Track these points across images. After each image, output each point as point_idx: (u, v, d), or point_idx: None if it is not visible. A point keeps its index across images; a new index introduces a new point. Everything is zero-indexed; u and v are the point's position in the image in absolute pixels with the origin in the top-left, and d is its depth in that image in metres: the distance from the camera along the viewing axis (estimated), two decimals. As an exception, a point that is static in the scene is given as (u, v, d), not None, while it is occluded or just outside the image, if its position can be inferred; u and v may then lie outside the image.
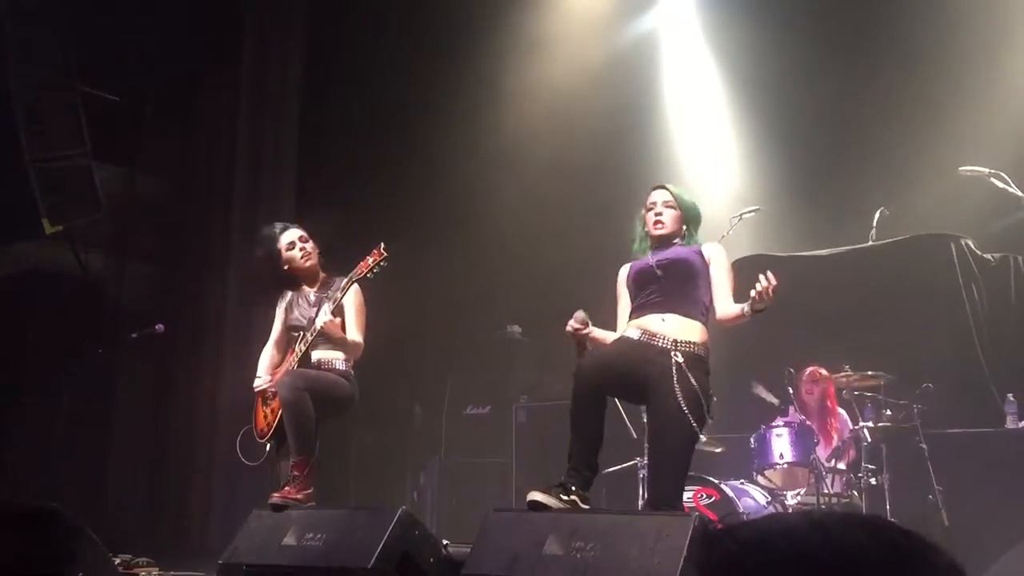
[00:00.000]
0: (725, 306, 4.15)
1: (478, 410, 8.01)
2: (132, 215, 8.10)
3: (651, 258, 4.21)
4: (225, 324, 8.18)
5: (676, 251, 4.22)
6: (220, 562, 4.34)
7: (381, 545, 3.89)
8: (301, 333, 4.79)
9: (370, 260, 4.50)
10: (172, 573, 5.42)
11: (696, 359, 4.02)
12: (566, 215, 7.96)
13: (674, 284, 4.10)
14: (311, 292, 4.91)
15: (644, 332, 4.06)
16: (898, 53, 7.21)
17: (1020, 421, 5.73)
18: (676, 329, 4.03)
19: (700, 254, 4.20)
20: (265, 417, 4.86)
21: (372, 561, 3.83)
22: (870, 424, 5.62)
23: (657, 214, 4.25)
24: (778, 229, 7.45)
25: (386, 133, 8.55)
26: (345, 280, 4.64)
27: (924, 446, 5.41)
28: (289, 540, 4.15)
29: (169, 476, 7.90)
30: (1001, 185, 5.63)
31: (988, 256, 6.25)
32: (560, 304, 8.16)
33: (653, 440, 4.16)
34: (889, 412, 5.68)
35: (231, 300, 8.24)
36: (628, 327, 4.17)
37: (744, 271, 6.99)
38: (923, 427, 5.48)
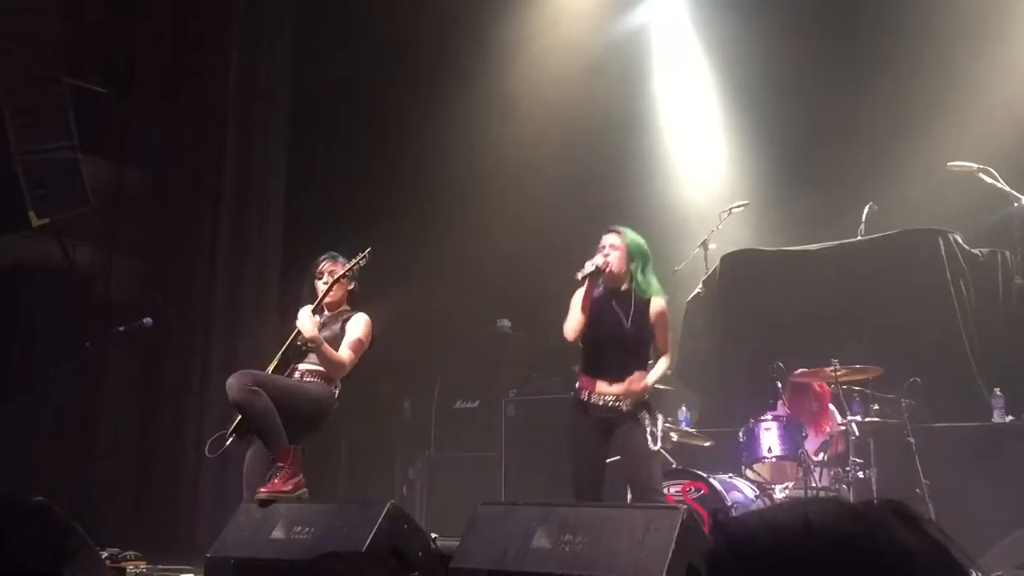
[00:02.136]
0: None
1: (468, 404, 8.01)
2: (120, 208, 8.06)
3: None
4: (214, 318, 8.16)
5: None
6: (208, 556, 4.33)
7: (370, 538, 3.89)
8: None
9: (352, 261, 4.65)
10: (160, 567, 5.41)
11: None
12: (556, 210, 7.95)
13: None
14: (326, 315, 4.95)
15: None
16: (888, 48, 7.22)
17: (1006, 415, 5.76)
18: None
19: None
20: None
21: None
22: (858, 418, 5.64)
23: (604, 255, 4.55)
24: (767, 224, 7.48)
25: (374, 128, 8.52)
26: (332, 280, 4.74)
27: (911, 440, 5.44)
28: (277, 533, 4.15)
29: (157, 470, 7.87)
30: (989, 181, 5.66)
31: (976, 251, 6.27)
32: (550, 299, 8.19)
33: None
34: (877, 406, 5.71)
35: (220, 293, 8.22)
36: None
37: (734, 266, 7.08)
38: (911, 421, 5.50)
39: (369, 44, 8.42)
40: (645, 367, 4.64)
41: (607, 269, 4.49)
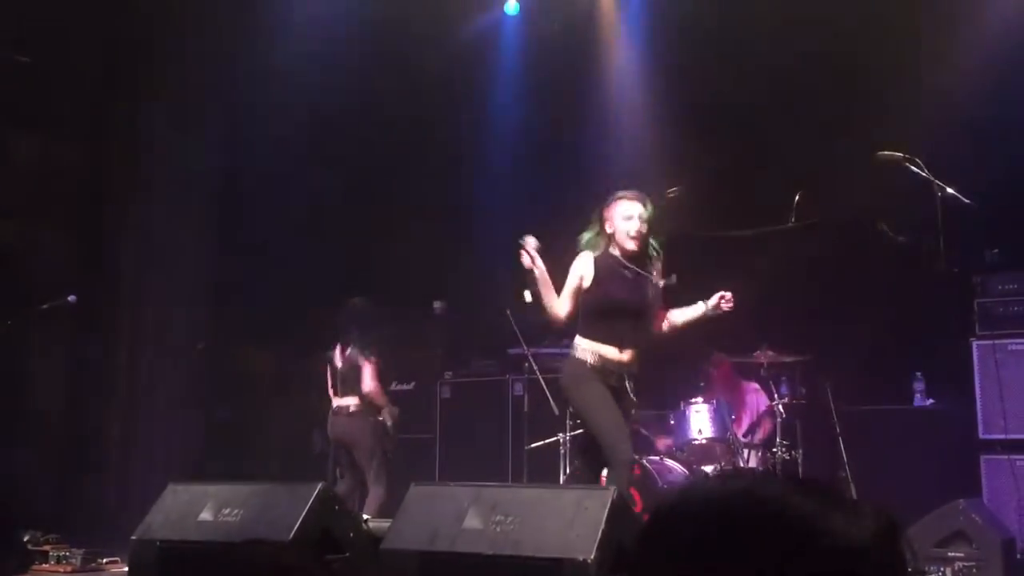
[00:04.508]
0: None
1: (403, 386, 7.98)
2: (45, 182, 7.81)
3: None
4: (143, 295, 7.98)
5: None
6: (133, 539, 4.25)
7: (300, 520, 3.86)
8: None
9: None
10: (83, 550, 5.29)
11: None
12: (489, 191, 7.96)
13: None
14: None
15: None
16: (819, 36, 7.34)
17: (927, 399, 5.95)
18: None
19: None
20: None
21: (291, 536, 3.79)
22: (785, 401, 5.77)
23: (637, 229, 4.44)
24: (700, 210, 7.55)
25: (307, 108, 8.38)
26: None
27: (836, 422, 5.58)
28: (205, 515, 4.09)
29: (83, 452, 7.69)
30: (915, 170, 5.80)
31: (901, 238, 6.44)
32: (483, 280, 8.20)
33: None
34: (804, 390, 5.85)
35: (151, 270, 8.04)
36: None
37: (668, 250, 7.15)
38: (835, 404, 5.65)
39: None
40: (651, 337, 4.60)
41: (637, 239, 4.44)
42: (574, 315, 4.50)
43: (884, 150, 5.71)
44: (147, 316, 7.95)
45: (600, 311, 4.43)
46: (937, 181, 5.38)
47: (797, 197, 6.49)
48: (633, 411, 4.71)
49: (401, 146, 8.35)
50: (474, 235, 8.31)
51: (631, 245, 4.45)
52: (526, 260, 4.39)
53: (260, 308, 7.94)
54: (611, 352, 4.42)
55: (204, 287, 8.11)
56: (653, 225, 4.51)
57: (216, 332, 8.11)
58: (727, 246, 6.95)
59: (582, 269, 4.46)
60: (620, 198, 4.52)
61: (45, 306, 6.24)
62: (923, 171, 5.48)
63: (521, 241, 4.42)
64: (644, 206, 4.49)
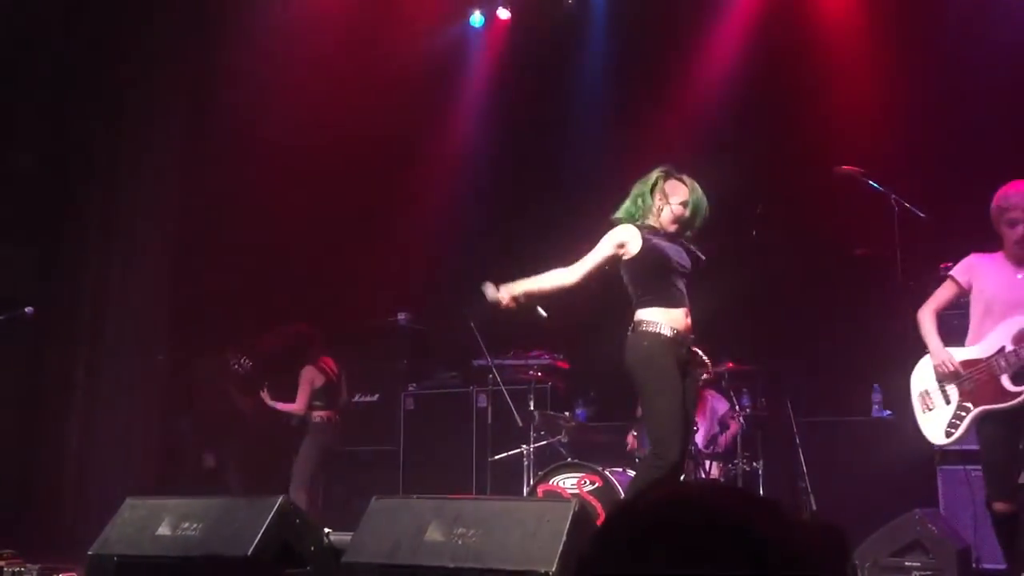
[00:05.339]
0: None
1: (367, 398, 7.95)
2: (2, 192, 7.70)
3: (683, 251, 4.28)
4: (104, 306, 7.88)
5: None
6: (90, 553, 4.19)
7: (260, 534, 3.83)
8: None
9: None
10: (39, 565, 5.19)
11: None
12: (451, 206, 7.99)
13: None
14: None
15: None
16: (777, 51, 7.46)
17: (884, 410, 6.03)
18: None
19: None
20: None
21: (250, 550, 3.76)
22: (746, 412, 5.83)
23: (681, 214, 4.25)
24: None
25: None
26: None
27: (796, 433, 5.64)
28: (164, 530, 4.04)
29: (40, 465, 7.57)
30: (872, 184, 5.90)
31: (858, 251, 6.54)
32: (447, 291, 8.19)
33: None
34: (764, 401, 5.91)
35: (112, 281, 7.94)
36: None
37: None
38: (795, 415, 5.71)
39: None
40: None
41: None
42: (583, 283, 4.22)
43: (843, 164, 5.81)
44: (106, 327, 7.85)
45: (659, 273, 4.17)
46: (894, 195, 5.47)
47: (758, 209, 6.58)
48: (703, 376, 4.42)
49: (367, 158, 8.33)
50: (439, 246, 8.32)
51: (673, 228, 4.24)
52: (503, 300, 4.16)
53: (222, 319, 7.87)
54: (679, 316, 4.15)
55: (165, 298, 8.02)
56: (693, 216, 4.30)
57: (177, 343, 8.02)
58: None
59: (624, 237, 4.18)
60: (679, 178, 4.32)
61: (2, 318, 6.14)
62: (879, 185, 5.57)
63: (484, 293, 4.20)
64: (692, 193, 4.28)
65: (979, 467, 4.62)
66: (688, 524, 0.98)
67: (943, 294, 4.45)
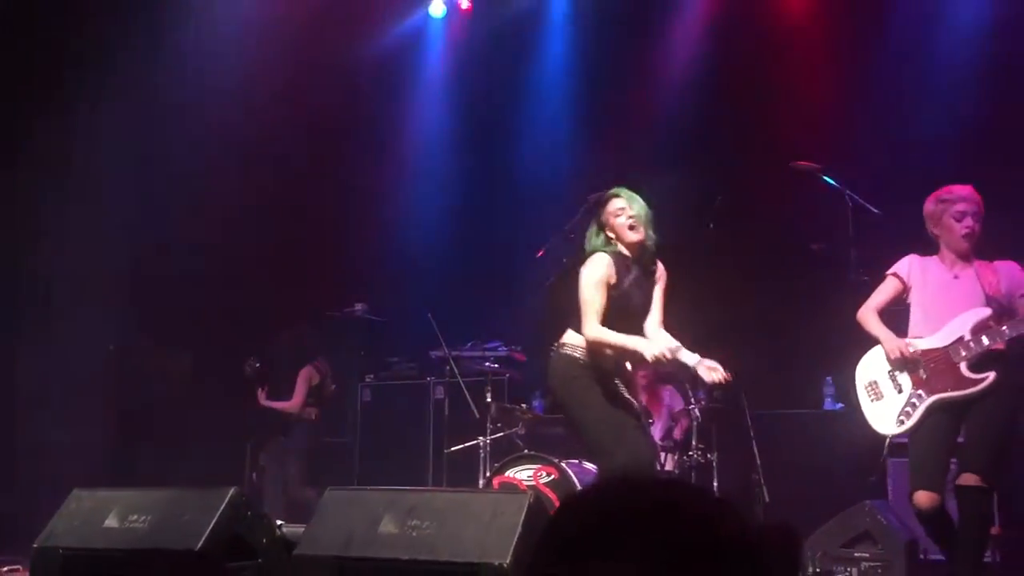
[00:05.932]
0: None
1: (323, 389, 7.87)
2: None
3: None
4: (50, 296, 7.70)
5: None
6: (35, 546, 4.09)
7: (210, 527, 3.76)
8: None
9: None
10: (-18, 559, 5.09)
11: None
12: (409, 197, 7.95)
13: None
14: None
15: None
16: (737, 47, 7.51)
17: (837, 403, 6.11)
18: None
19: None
20: None
21: (200, 543, 3.70)
22: (701, 404, 5.87)
23: (633, 220, 4.28)
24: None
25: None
26: None
27: (750, 425, 5.69)
28: (111, 522, 3.96)
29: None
30: (829, 180, 5.96)
31: (813, 246, 6.61)
32: (405, 282, 8.15)
33: None
34: (719, 393, 5.95)
35: (60, 270, 7.76)
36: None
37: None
38: (749, 408, 5.76)
39: None
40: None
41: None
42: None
43: (800, 160, 5.86)
44: (55, 317, 7.68)
45: (613, 311, 4.22)
46: (848, 191, 5.53)
47: (716, 202, 6.62)
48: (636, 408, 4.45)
49: (324, 146, 8.25)
50: (397, 236, 8.27)
51: (633, 236, 4.26)
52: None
53: (177, 309, 7.75)
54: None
55: (117, 287, 7.87)
56: (649, 215, 4.34)
57: (128, 333, 7.88)
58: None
59: (607, 271, 4.22)
60: (610, 196, 4.37)
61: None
62: (835, 181, 5.63)
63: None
64: (631, 196, 4.33)
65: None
66: (640, 517, 0.97)
67: (885, 292, 4.48)
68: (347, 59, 8.16)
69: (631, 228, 4.28)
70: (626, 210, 4.30)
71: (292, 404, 7.07)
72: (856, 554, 4.59)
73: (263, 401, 7.11)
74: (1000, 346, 4.12)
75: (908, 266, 4.45)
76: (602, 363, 4.24)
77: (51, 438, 7.37)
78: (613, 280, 4.23)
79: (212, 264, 7.76)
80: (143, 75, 7.91)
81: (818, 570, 4.52)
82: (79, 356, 7.67)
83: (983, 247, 4.37)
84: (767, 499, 5.49)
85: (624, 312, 4.25)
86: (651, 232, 4.34)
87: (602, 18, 8.11)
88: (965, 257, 4.34)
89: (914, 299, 4.41)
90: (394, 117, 8.59)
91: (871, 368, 4.48)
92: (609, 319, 4.19)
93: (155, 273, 7.75)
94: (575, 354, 4.25)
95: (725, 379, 4.13)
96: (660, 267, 4.44)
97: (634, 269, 4.31)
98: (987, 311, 4.17)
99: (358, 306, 7.98)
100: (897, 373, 4.36)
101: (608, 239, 4.34)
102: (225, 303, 7.79)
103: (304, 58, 7.97)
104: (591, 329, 4.17)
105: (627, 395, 4.34)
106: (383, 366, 7.86)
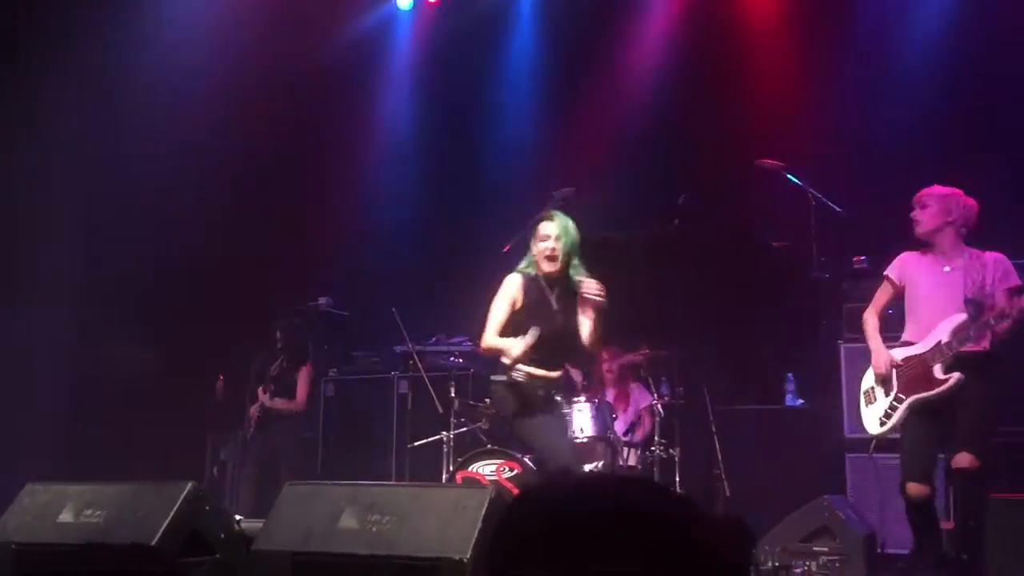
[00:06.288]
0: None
1: (285, 384, 7.80)
2: None
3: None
4: (7, 291, 7.56)
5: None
6: (-13, 541, 4.01)
7: (167, 522, 3.71)
8: None
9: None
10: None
11: None
12: (374, 192, 7.91)
13: None
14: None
15: None
16: (702, 45, 7.54)
17: (797, 399, 6.17)
18: None
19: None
20: None
21: (156, 538, 3.64)
22: (664, 400, 5.89)
23: (549, 251, 4.49)
24: (591, 210, 7.66)
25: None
26: None
27: (712, 421, 5.73)
28: (65, 517, 3.89)
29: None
30: (791, 178, 6.01)
31: (775, 244, 6.66)
32: (370, 277, 8.10)
33: None
34: (681, 389, 5.99)
35: (16, 265, 7.62)
36: None
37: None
38: (711, 403, 5.80)
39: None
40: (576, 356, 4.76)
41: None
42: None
43: (764, 158, 5.91)
44: (12, 313, 7.53)
45: (511, 328, 4.49)
46: (811, 190, 5.58)
47: (680, 200, 6.66)
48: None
49: (289, 142, 8.17)
50: (362, 230, 8.22)
51: (547, 267, 4.50)
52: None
53: (137, 304, 7.65)
54: (539, 372, 4.51)
55: (77, 282, 7.74)
56: (574, 246, 4.53)
57: (87, 330, 7.76)
58: (616, 247, 7.06)
59: (513, 292, 4.52)
60: (539, 220, 4.58)
61: None
62: (799, 180, 5.68)
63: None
64: (562, 226, 4.52)
65: (886, 455, 4.77)
66: (595, 514, 0.97)
67: (881, 295, 4.70)
68: (313, 52, 8.08)
69: (548, 259, 4.49)
70: (549, 238, 4.50)
71: (297, 403, 6.91)
72: (815, 548, 4.63)
73: (267, 402, 6.90)
74: (979, 347, 4.31)
75: (899, 267, 4.65)
76: (535, 381, 4.50)
77: (6, 434, 7.24)
78: (519, 303, 4.50)
79: (173, 259, 7.66)
80: (109, 65, 7.80)
81: (777, 564, 4.56)
82: (38, 351, 7.54)
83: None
84: (728, 493, 5.53)
85: (525, 329, 4.43)
86: (574, 261, 4.54)
87: (569, 13, 8.12)
88: (954, 247, 4.44)
89: (907, 300, 4.60)
90: (360, 109, 8.53)
91: (869, 376, 4.71)
92: (513, 334, 4.45)
93: (115, 269, 7.63)
94: (501, 378, 4.53)
95: (599, 294, 4.43)
96: (591, 285, 4.53)
97: (552, 290, 4.52)
98: (963, 316, 4.34)
99: (322, 300, 7.91)
100: (884, 380, 4.58)
101: (532, 261, 4.57)
102: (187, 297, 7.69)
103: (270, 51, 7.88)
104: (485, 339, 4.54)
105: (550, 399, 4.63)
106: (347, 360, 7.80)
